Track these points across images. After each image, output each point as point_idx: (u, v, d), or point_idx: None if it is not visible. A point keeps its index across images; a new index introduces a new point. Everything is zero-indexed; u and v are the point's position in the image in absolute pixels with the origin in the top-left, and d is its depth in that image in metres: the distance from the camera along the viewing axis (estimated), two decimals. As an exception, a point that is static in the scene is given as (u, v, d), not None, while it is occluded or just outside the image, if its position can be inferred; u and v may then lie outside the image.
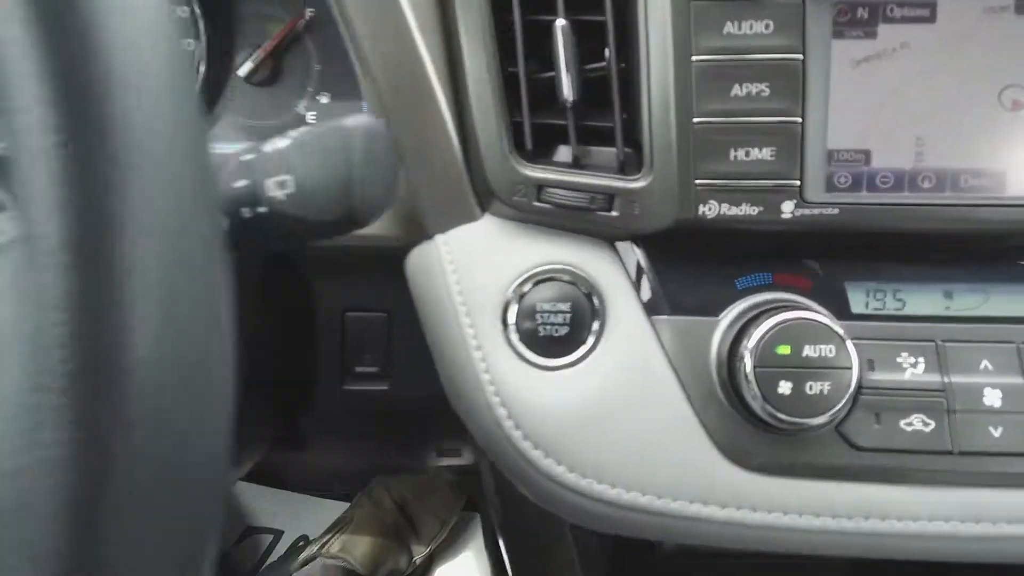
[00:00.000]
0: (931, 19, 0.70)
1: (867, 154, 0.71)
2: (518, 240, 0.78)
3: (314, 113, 0.97)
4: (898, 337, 0.71)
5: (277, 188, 0.48)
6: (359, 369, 0.98)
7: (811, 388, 0.66)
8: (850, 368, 0.67)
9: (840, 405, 0.67)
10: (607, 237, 0.76)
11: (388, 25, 0.74)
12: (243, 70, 0.94)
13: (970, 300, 0.73)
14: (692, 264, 0.74)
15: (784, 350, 0.67)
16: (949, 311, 0.73)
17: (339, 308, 0.97)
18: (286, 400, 0.99)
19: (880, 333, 0.72)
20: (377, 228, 0.84)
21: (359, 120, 0.48)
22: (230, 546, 1.77)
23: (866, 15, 0.70)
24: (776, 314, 0.69)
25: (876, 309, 0.73)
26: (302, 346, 0.96)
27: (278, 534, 1.72)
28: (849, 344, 0.68)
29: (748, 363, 0.67)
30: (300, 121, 0.97)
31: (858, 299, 0.73)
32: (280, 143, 0.48)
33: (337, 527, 1.53)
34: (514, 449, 0.74)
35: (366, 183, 0.47)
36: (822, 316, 0.68)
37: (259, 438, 0.98)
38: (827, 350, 0.67)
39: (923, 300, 0.73)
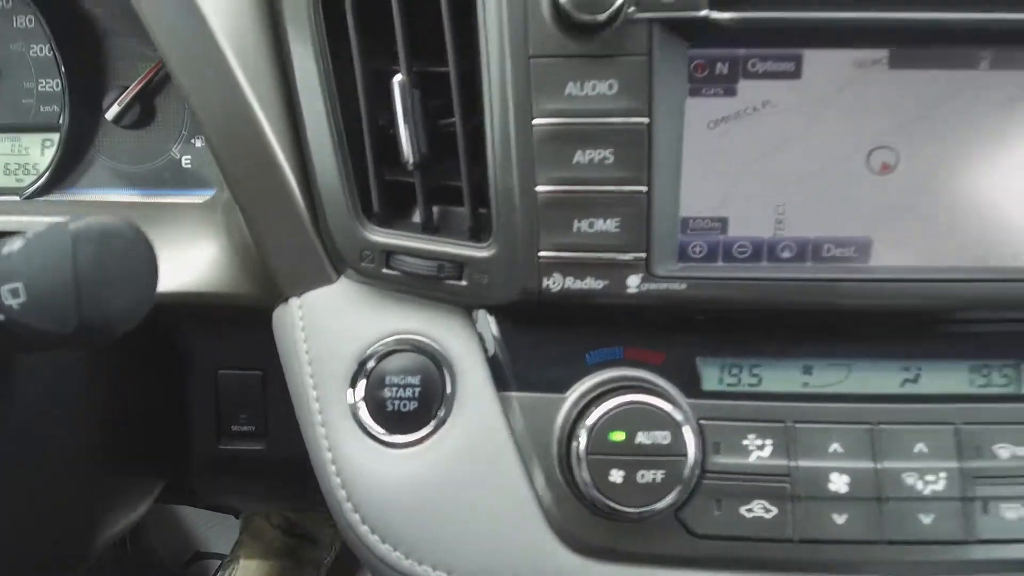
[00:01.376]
0: (796, 75, 0.62)
1: (724, 222, 0.64)
2: (372, 306, 0.71)
3: (188, 157, 0.91)
4: (748, 417, 0.65)
5: (11, 296, 0.43)
6: (235, 428, 0.94)
7: (643, 477, 0.61)
8: (685, 456, 0.61)
9: (673, 495, 0.61)
10: (462, 305, 0.71)
11: (215, 82, 0.66)
12: (110, 113, 0.88)
13: (830, 376, 0.67)
14: (544, 336, 0.68)
15: (618, 436, 0.61)
16: (807, 387, 0.67)
17: (213, 366, 0.92)
18: (163, 458, 0.94)
19: (730, 413, 0.66)
20: (238, 287, 0.79)
21: (87, 222, 0.43)
22: (179, 570, 1.74)
23: (725, 70, 0.62)
24: (616, 396, 0.63)
25: (731, 385, 0.67)
26: (174, 405, 0.91)
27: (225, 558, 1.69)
28: (687, 430, 0.62)
29: (582, 447, 0.62)
30: (176, 165, 0.92)
31: (712, 375, 0.67)
32: (11, 246, 0.43)
33: (223, 571, 1.49)
34: (353, 532, 0.68)
35: (99, 290, 0.42)
36: (660, 400, 0.62)
37: (142, 492, 0.93)
38: (662, 437, 0.61)
39: (780, 376, 0.67)
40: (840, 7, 0.59)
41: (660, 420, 0.61)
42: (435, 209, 0.70)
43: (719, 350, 0.67)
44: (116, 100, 0.87)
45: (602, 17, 0.56)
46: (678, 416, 0.62)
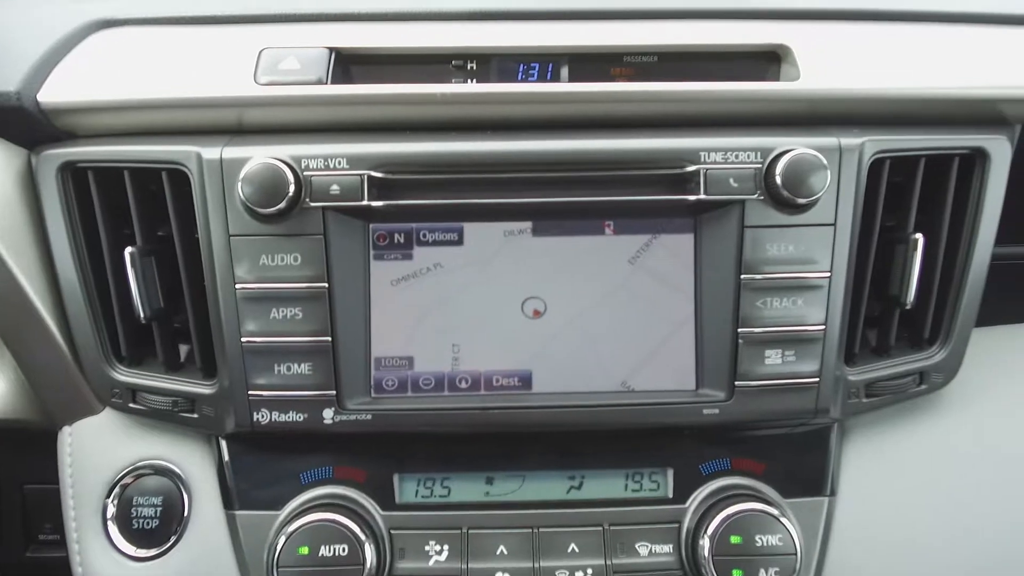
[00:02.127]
0: (459, 242, 0.76)
1: (410, 360, 0.77)
2: (128, 434, 0.82)
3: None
4: (433, 526, 0.76)
5: None
6: (41, 537, 1.02)
7: None
8: (361, 566, 0.72)
9: None
10: (201, 432, 0.81)
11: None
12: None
13: (508, 486, 0.79)
14: (266, 460, 0.79)
15: (303, 550, 0.72)
16: (488, 496, 0.78)
17: (19, 481, 1.00)
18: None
19: (419, 522, 0.77)
20: (26, 415, 0.89)
21: None
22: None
23: (402, 239, 0.76)
24: (315, 512, 0.74)
25: (424, 497, 0.78)
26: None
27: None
28: (367, 544, 0.73)
29: (275, 559, 0.72)
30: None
31: (409, 488, 0.78)
32: None
33: None
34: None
35: None
36: (345, 517, 0.73)
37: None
38: (341, 550, 0.72)
39: (466, 487, 0.79)
40: (481, 194, 0.74)
41: (341, 536, 0.73)
42: (185, 348, 0.82)
43: (415, 466, 0.79)
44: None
45: (277, 209, 0.70)
46: (359, 532, 0.73)
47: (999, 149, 0.80)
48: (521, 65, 0.83)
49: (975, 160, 0.80)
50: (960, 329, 0.81)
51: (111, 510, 0.79)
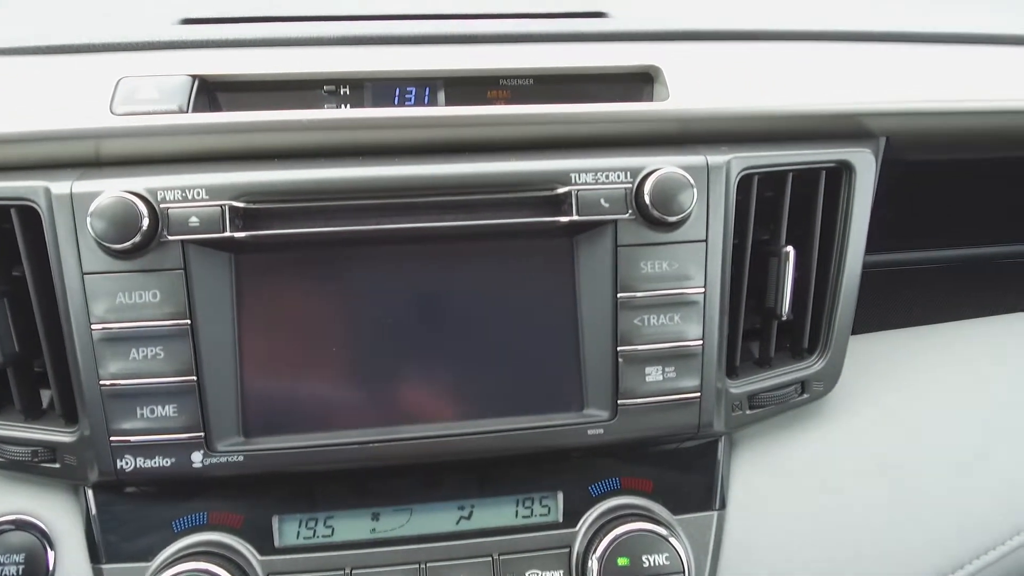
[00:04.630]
0: (333, 272, 0.74)
1: (284, 396, 0.73)
2: (-14, 487, 0.78)
3: None
4: (316, 568, 0.73)
5: None
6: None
7: None
8: None
9: None
10: (67, 482, 0.77)
11: None
12: None
13: (394, 520, 0.76)
14: (137, 508, 0.75)
15: (172, 605, 0.69)
16: (375, 533, 0.76)
17: None
18: None
19: (300, 566, 0.74)
20: None
21: None
22: None
23: (271, 271, 0.73)
24: (188, 561, 0.70)
25: (307, 538, 0.75)
26: None
27: None
28: None
29: None
30: None
31: (290, 530, 0.75)
32: None
33: None
34: None
35: None
36: (219, 567, 0.70)
37: None
38: (211, 604, 0.69)
39: (351, 525, 0.76)
40: (352, 222, 0.72)
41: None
42: (48, 394, 0.78)
43: (295, 506, 0.76)
44: None
45: (132, 244, 0.67)
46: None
47: (863, 161, 0.83)
48: (397, 89, 0.83)
49: (841, 173, 0.83)
50: (837, 338, 0.83)
51: (-34, 571, 0.74)
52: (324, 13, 0.93)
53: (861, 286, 0.84)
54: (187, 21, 0.93)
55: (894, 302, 1.00)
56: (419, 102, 0.82)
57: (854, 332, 0.86)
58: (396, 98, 0.82)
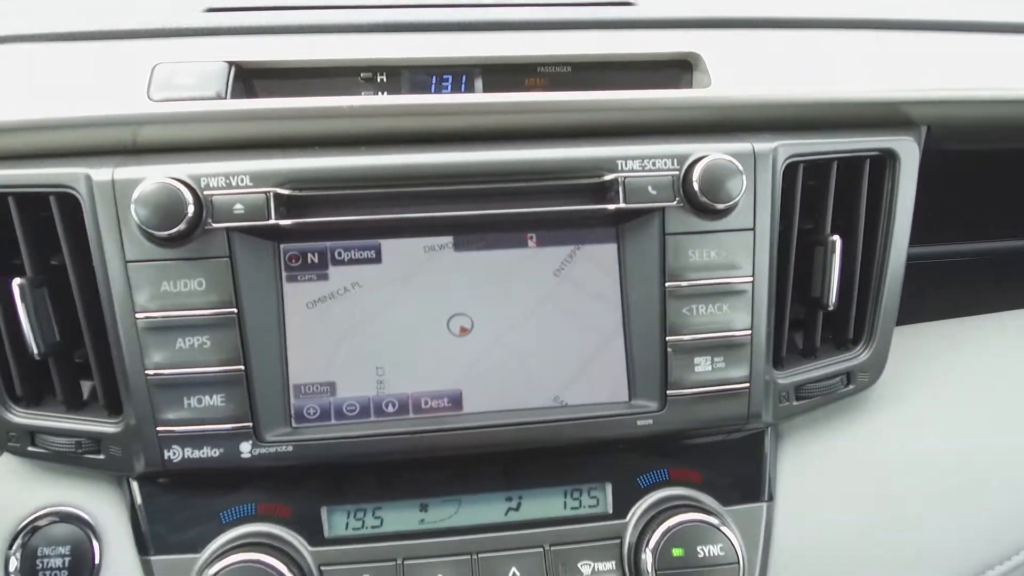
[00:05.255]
0: (378, 260, 0.73)
1: (332, 386, 0.73)
2: (30, 479, 0.76)
3: None
4: (366, 559, 0.72)
5: None
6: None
7: None
8: None
9: None
10: (109, 474, 0.76)
11: None
12: None
13: (443, 511, 0.76)
14: (183, 500, 0.74)
15: (229, 593, 0.67)
16: (423, 524, 0.75)
17: None
18: None
19: (351, 556, 0.73)
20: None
21: None
22: None
23: (316, 259, 0.73)
24: (239, 552, 0.69)
25: (355, 529, 0.74)
26: None
27: None
28: None
29: None
30: None
31: (339, 521, 0.74)
32: None
33: None
34: None
35: None
36: (272, 557, 0.69)
37: None
38: (267, 592, 0.67)
39: (400, 516, 0.75)
40: (397, 209, 0.71)
41: (261, 577, 0.68)
42: (88, 384, 0.76)
43: (344, 497, 0.75)
44: None
45: (176, 232, 0.66)
46: (286, 572, 0.69)
47: (907, 150, 0.82)
48: (434, 77, 0.82)
49: (885, 161, 0.82)
50: (882, 328, 0.82)
51: (14, 563, 0.73)
52: (350, 1, 0.92)
53: (899, 278, 0.84)
54: (212, 9, 0.91)
55: (930, 295, 0.99)
56: (455, 90, 0.81)
57: (898, 323, 0.85)
58: (432, 86, 0.81)
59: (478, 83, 0.81)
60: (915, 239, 0.85)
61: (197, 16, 0.85)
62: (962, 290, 1.04)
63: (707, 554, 0.72)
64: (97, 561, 0.74)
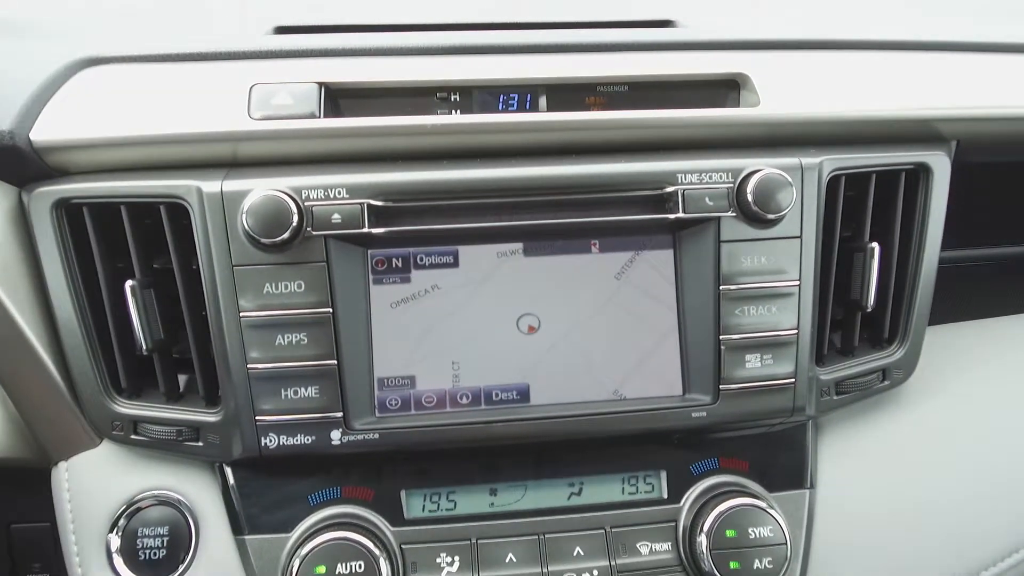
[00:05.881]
0: (455, 264, 0.80)
1: (412, 379, 0.79)
2: (130, 465, 0.82)
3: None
4: (442, 538, 0.79)
5: None
6: (29, 576, 1.01)
7: None
8: None
9: None
10: (206, 461, 0.83)
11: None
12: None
13: (511, 496, 0.82)
14: (274, 484, 0.81)
15: (320, 569, 0.74)
16: (493, 507, 0.82)
17: (5, 521, 0.98)
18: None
19: (428, 536, 0.79)
20: (15, 452, 0.89)
21: None
22: None
23: (400, 264, 0.80)
24: (327, 532, 0.76)
25: (431, 512, 0.81)
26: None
27: None
28: (382, 560, 0.75)
29: None
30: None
31: (416, 504, 0.81)
32: None
33: None
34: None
35: None
36: (360, 535, 0.75)
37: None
38: (357, 566, 0.74)
39: (472, 499, 0.82)
40: (474, 218, 0.78)
41: (356, 553, 0.75)
42: (184, 378, 0.84)
43: (420, 482, 0.82)
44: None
45: (281, 239, 0.73)
46: (374, 548, 0.76)
47: (939, 163, 0.89)
48: (502, 96, 0.88)
49: (919, 174, 0.89)
50: (915, 328, 0.89)
51: (115, 543, 0.79)
52: (417, 22, 0.99)
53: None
54: (280, 30, 0.98)
55: (961, 297, 1.06)
56: (521, 108, 0.88)
57: (929, 323, 0.91)
58: (500, 104, 0.88)
59: (542, 101, 0.88)
60: (945, 244, 0.92)
61: (276, 38, 0.92)
62: (992, 293, 1.10)
63: (757, 535, 0.78)
64: (194, 540, 0.80)
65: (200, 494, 0.82)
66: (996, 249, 1.16)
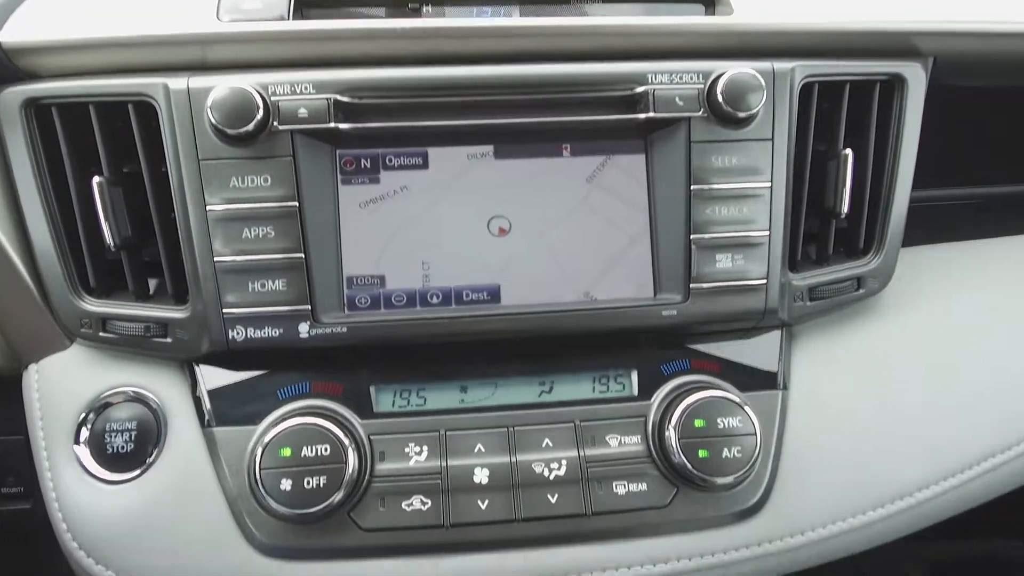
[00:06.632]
0: (424, 166, 0.80)
1: (382, 279, 0.79)
2: (99, 365, 0.82)
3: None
4: (411, 430, 0.79)
5: None
6: (3, 490, 1.00)
7: (308, 483, 0.73)
8: (344, 463, 0.74)
9: (340, 496, 0.74)
10: (175, 358, 0.82)
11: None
12: None
13: (481, 393, 0.82)
14: (242, 380, 0.81)
15: (285, 452, 0.74)
16: (463, 403, 0.81)
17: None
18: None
19: (397, 428, 0.79)
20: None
21: None
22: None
23: (369, 164, 0.79)
24: (292, 418, 0.76)
25: (401, 407, 0.81)
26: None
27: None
28: (348, 444, 0.75)
29: (257, 463, 0.74)
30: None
31: (386, 399, 0.81)
32: None
33: None
34: (74, 560, 0.77)
35: None
36: (325, 421, 0.76)
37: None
38: (323, 450, 0.74)
39: (442, 396, 0.82)
40: (444, 118, 0.78)
41: (322, 437, 0.75)
42: (153, 281, 0.84)
43: (390, 378, 0.82)
44: None
45: (247, 130, 0.73)
46: (341, 435, 0.75)
47: (914, 75, 0.88)
48: (475, 9, 0.88)
49: (894, 86, 0.88)
50: (891, 238, 0.88)
51: (84, 436, 0.79)
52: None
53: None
54: None
55: (932, 233, 1.05)
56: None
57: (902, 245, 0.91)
58: (475, 15, 0.88)
59: (515, 13, 0.88)
60: (922, 183, 0.91)
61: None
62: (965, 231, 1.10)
63: (726, 425, 0.78)
64: (162, 435, 0.80)
65: (169, 392, 0.82)
66: (974, 189, 1.16)
